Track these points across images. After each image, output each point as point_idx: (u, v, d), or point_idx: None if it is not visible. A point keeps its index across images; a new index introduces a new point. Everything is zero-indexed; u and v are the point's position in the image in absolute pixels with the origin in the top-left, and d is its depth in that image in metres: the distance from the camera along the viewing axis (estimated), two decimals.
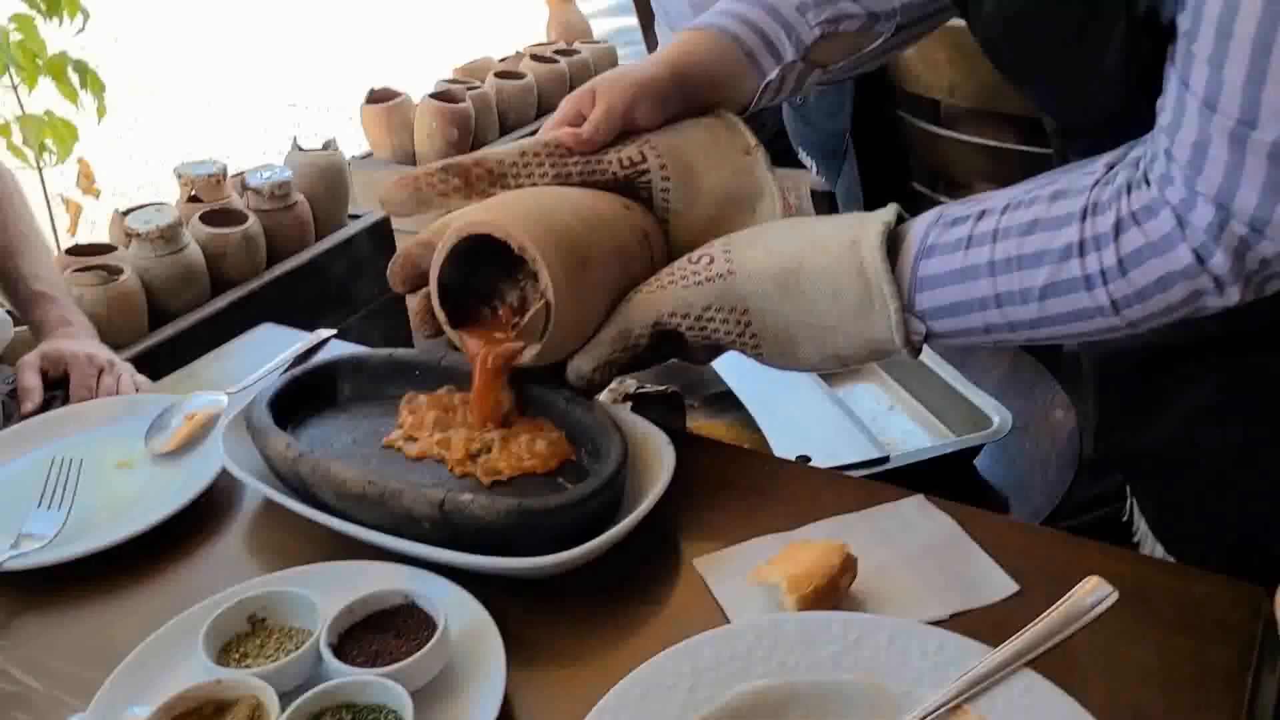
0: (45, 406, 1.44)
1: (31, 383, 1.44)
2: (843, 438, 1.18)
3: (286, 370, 1.14)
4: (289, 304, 2.31)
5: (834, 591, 0.76)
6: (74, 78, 2.22)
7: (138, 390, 1.45)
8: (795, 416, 1.23)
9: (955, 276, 0.78)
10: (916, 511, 0.86)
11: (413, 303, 0.94)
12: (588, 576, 0.81)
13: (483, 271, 0.91)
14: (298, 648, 0.74)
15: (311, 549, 0.88)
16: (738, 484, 0.92)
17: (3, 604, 0.86)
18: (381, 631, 0.75)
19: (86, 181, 2.28)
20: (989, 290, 0.77)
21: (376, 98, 2.86)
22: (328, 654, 0.72)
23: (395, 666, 0.70)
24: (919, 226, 0.81)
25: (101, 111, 2.27)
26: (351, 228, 2.55)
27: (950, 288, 0.79)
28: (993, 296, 0.77)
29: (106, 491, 0.96)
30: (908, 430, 1.30)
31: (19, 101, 2.22)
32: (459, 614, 0.76)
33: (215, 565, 0.89)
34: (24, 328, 1.66)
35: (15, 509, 0.93)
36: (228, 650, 0.75)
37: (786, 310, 0.83)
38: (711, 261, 0.86)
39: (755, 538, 0.85)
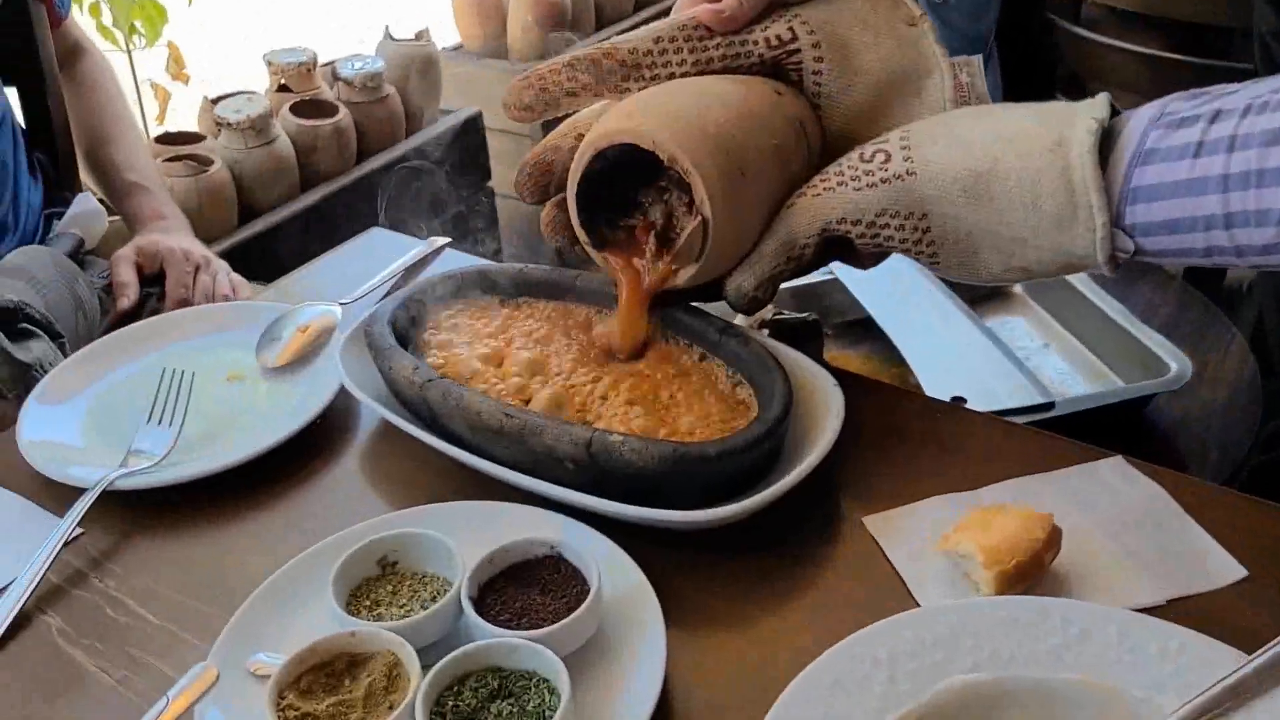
0: (141, 304, 1.39)
1: (127, 278, 1.38)
2: (997, 377, 1.08)
3: (400, 280, 1.07)
4: (379, 202, 2.23)
5: (1037, 568, 0.67)
6: None
7: (235, 290, 1.40)
8: (943, 350, 1.13)
9: (1178, 189, 0.66)
10: (1116, 475, 0.76)
11: (544, 212, 0.85)
12: (744, 531, 0.72)
13: (620, 182, 0.81)
14: (432, 597, 0.68)
15: (438, 482, 0.81)
16: (904, 431, 0.83)
17: (112, 524, 0.80)
18: (525, 586, 0.68)
19: (176, 66, 2.21)
20: (1218, 209, 0.65)
21: None
22: (470, 610, 0.65)
23: (548, 630, 0.62)
24: (1135, 125, 0.69)
25: None
26: (443, 123, 2.45)
27: (1170, 202, 0.67)
28: (1221, 216, 0.65)
29: (217, 406, 0.89)
30: (1062, 371, 1.19)
31: None
32: (610, 570, 0.68)
33: (333, 494, 0.82)
34: (117, 218, 1.61)
35: (123, 421, 0.87)
36: (357, 596, 0.68)
37: (972, 218, 0.73)
38: (888, 160, 0.75)
39: (932, 496, 0.76)
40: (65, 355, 1.18)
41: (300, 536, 0.77)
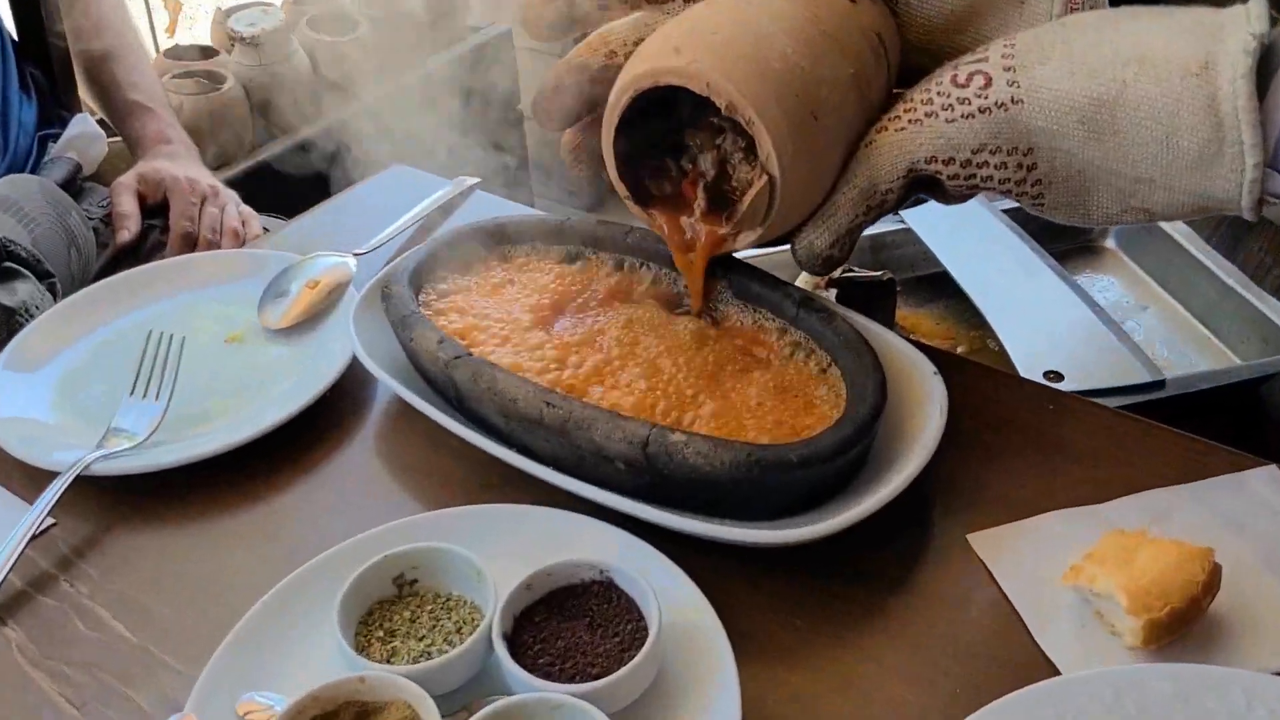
0: (142, 237, 1.27)
1: (128, 208, 1.27)
2: (1096, 348, 0.95)
3: (423, 226, 0.94)
4: (408, 125, 2.09)
5: (1194, 615, 0.55)
6: None
7: (245, 223, 1.27)
8: (1031, 313, 1.00)
9: None
10: (1272, 488, 0.64)
11: (565, 136, 0.72)
12: (822, 550, 0.60)
13: (662, 119, 0.68)
14: (457, 628, 0.57)
15: (465, 474, 0.70)
16: (1006, 424, 0.70)
17: (88, 515, 0.69)
18: (569, 618, 0.56)
19: None
20: None
21: None
22: (504, 652, 0.53)
23: (598, 685, 0.51)
24: None
25: None
26: (470, 40, 2.30)
27: None
28: None
29: (212, 374, 0.78)
30: (1164, 338, 1.06)
31: None
32: (670, 598, 0.57)
33: (343, 484, 0.71)
34: (119, 140, 1.48)
35: (102, 394, 0.75)
36: (368, 624, 0.57)
37: (1088, 154, 0.60)
38: (988, 84, 0.61)
39: (1049, 511, 0.64)
40: (56, 297, 1.07)
41: (304, 536, 0.67)
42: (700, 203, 0.68)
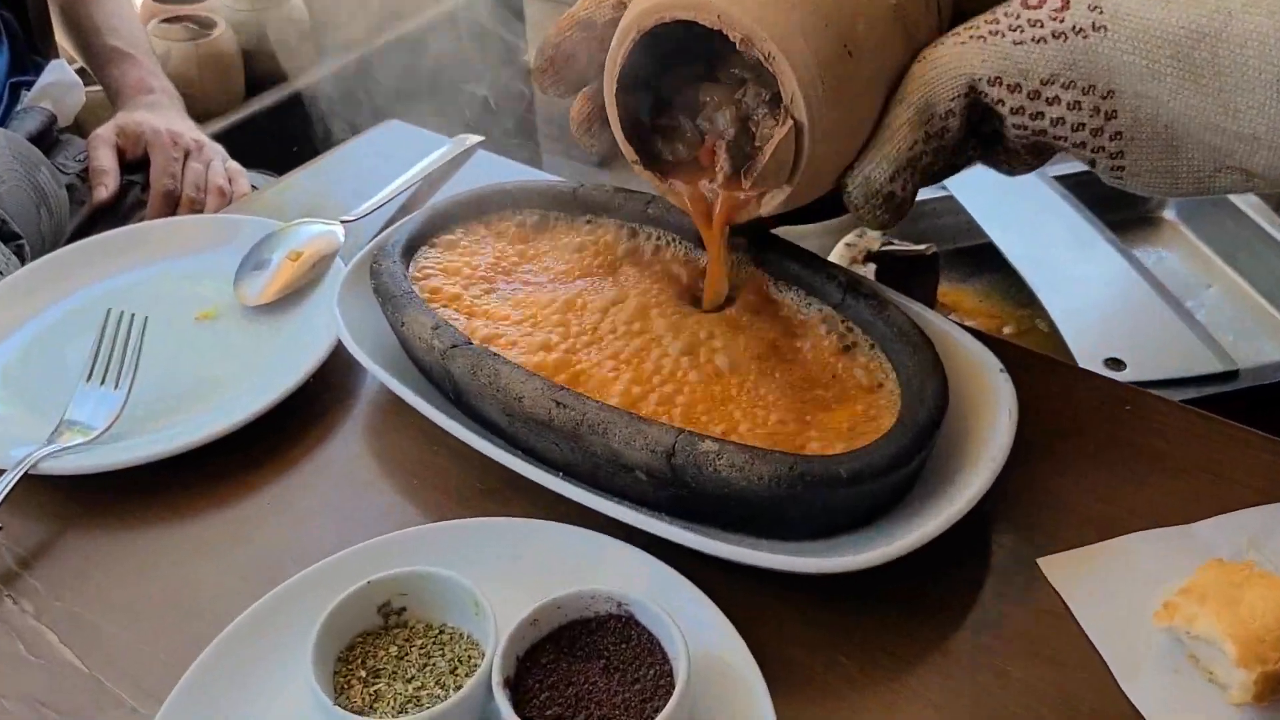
0: (122, 194, 1.19)
1: (106, 164, 1.18)
2: (1159, 331, 0.86)
3: (420, 190, 0.86)
4: (408, 76, 1.99)
5: None
6: None
7: (231, 180, 1.19)
8: (1086, 292, 0.91)
9: None
10: None
11: (574, 106, 0.63)
12: (869, 576, 0.52)
13: (677, 73, 0.59)
14: (450, 667, 0.49)
15: (464, 477, 0.62)
16: (1076, 425, 0.62)
17: (36, 520, 0.62)
18: (582, 659, 0.48)
19: None
20: None
21: None
22: (504, 702, 0.45)
23: None
24: None
25: None
26: None
27: None
28: None
29: (180, 357, 0.70)
30: (1230, 321, 0.97)
31: None
32: (698, 633, 0.49)
33: (325, 484, 0.63)
34: (97, 88, 1.39)
35: (56, 379, 0.67)
36: (349, 659, 0.49)
37: (1182, 102, 0.50)
38: (1064, 6, 0.51)
39: (1132, 532, 0.56)
40: (24, 260, 0.99)
41: (280, 546, 0.59)
42: (722, 164, 0.59)
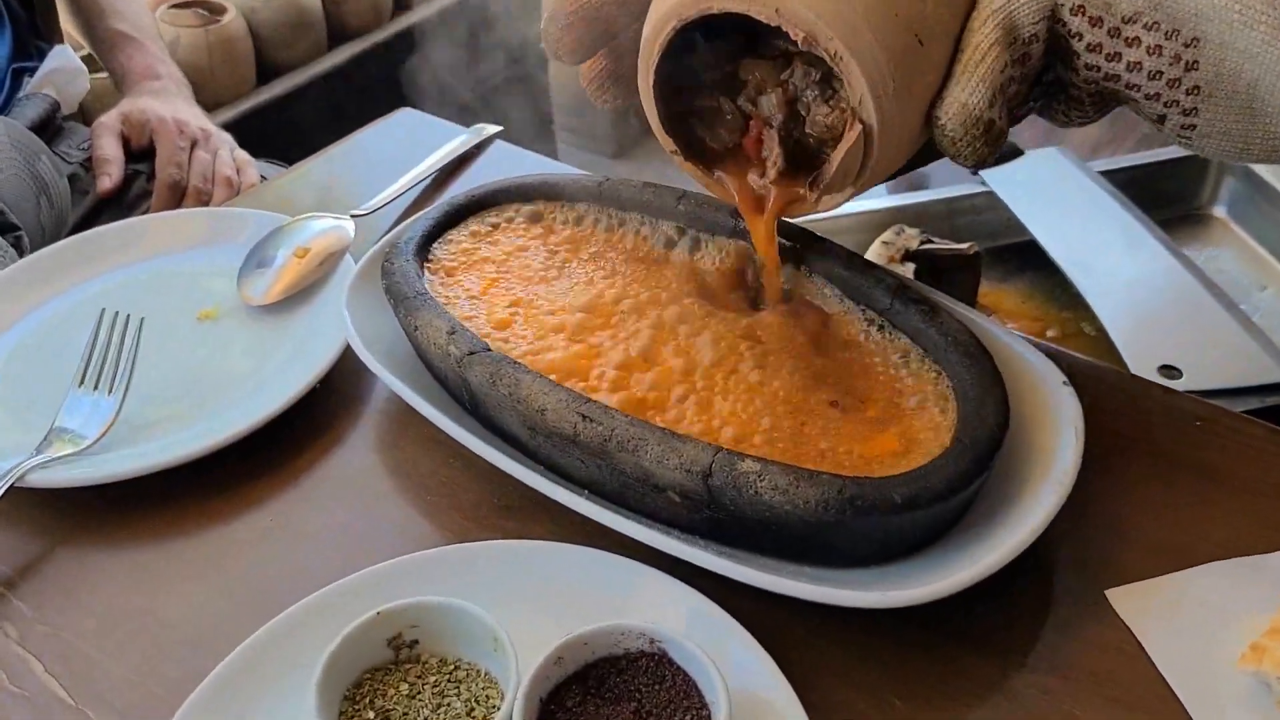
0: (126, 184, 1.15)
1: (110, 152, 1.14)
2: (1213, 336, 0.82)
3: (435, 181, 0.81)
4: (419, 66, 1.95)
5: None
6: None
7: (240, 170, 1.15)
8: (1135, 293, 0.87)
9: None
10: None
11: (585, 66, 0.57)
12: (921, 608, 0.47)
13: (705, 50, 0.54)
14: (468, 707, 0.45)
15: (478, 491, 0.58)
16: (1144, 445, 0.58)
17: (23, 535, 0.57)
18: (611, 700, 0.44)
19: None
20: None
21: None
22: None
23: None
24: None
25: None
26: None
27: None
28: None
29: (179, 360, 0.66)
30: None
31: None
32: (736, 671, 0.45)
33: (332, 499, 0.59)
34: (103, 75, 1.35)
35: (47, 383, 0.63)
36: (356, 697, 0.45)
37: (1274, 55, 0.45)
38: None
39: (1209, 562, 0.51)
40: (22, 252, 0.95)
41: (282, 567, 0.55)
42: (774, 157, 0.54)
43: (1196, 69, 0.47)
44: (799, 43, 0.47)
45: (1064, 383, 0.54)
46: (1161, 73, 0.48)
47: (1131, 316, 0.84)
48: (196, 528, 0.57)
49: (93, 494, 0.58)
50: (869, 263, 0.59)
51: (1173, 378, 0.78)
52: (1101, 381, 0.61)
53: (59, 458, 0.57)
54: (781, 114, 0.53)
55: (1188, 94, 0.48)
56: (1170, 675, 0.47)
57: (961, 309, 0.58)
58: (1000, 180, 1.00)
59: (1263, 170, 0.99)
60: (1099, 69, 0.49)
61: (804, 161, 0.54)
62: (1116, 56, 0.48)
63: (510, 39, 2.08)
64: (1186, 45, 0.47)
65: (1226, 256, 0.99)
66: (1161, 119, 0.49)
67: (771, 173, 0.54)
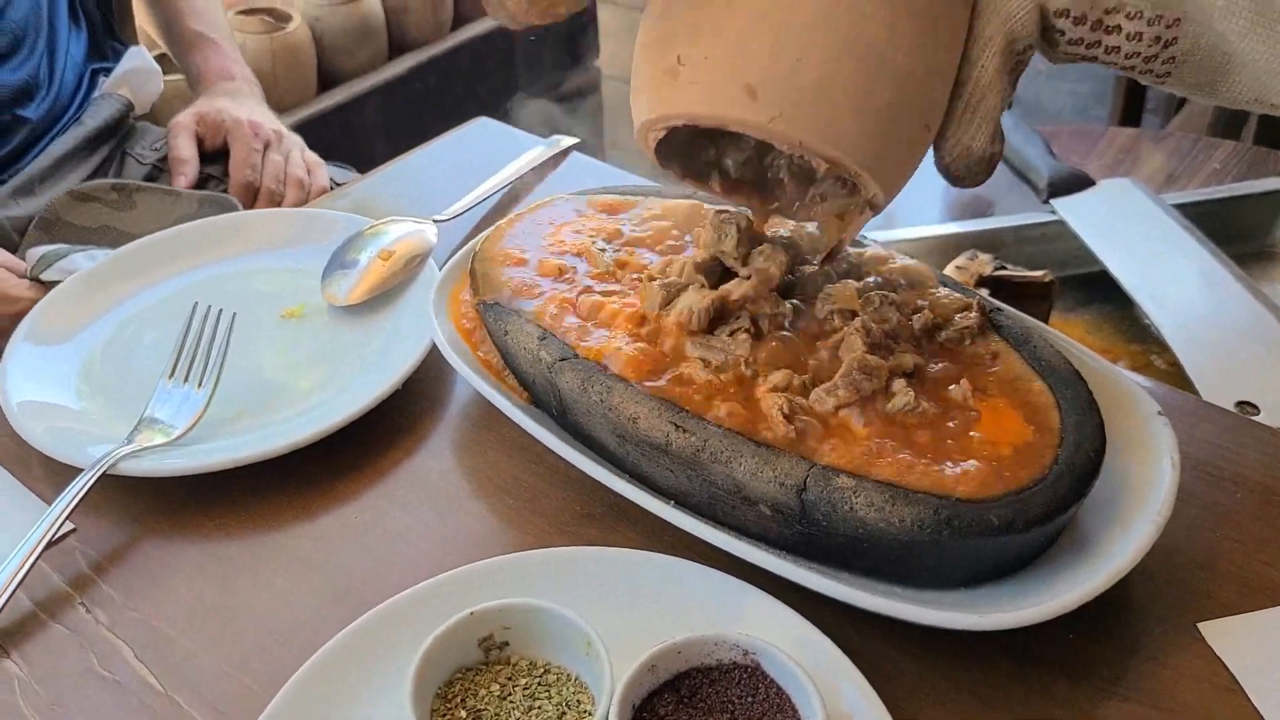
0: (200, 184, 1.16)
1: (186, 152, 1.15)
2: None
3: (512, 188, 0.82)
4: (477, 76, 1.97)
5: None
6: None
7: (311, 171, 1.16)
8: (1210, 327, 0.86)
9: None
10: None
11: None
12: (1013, 634, 0.47)
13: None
14: (560, 712, 0.45)
15: (561, 497, 0.58)
16: (1236, 478, 0.57)
17: (113, 522, 0.58)
18: (705, 710, 0.44)
19: None
20: None
21: None
22: None
23: None
24: None
25: None
26: None
27: None
28: None
29: (264, 357, 0.66)
30: None
31: None
32: (830, 692, 0.45)
33: (415, 499, 0.59)
34: (178, 77, 1.37)
35: (140, 372, 0.64)
36: (448, 696, 0.45)
37: (1249, 45, 0.46)
38: None
39: None
40: None
41: (367, 564, 0.55)
42: (789, 195, 0.54)
43: (1175, 44, 0.47)
44: (820, 172, 0.48)
45: (1158, 412, 0.53)
46: (1139, 51, 0.48)
47: (1206, 351, 0.83)
48: (281, 522, 0.58)
49: (181, 485, 0.59)
50: (957, 284, 0.59)
51: (1250, 413, 0.77)
52: (1191, 413, 0.61)
53: (149, 447, 0.58)
54: (789, 176, 0.54)
55: (1163, 64, 0.48)
56: (1268, 711, 0.46)
57: (1052, 334, 0.58)
58: (1071, 209, 1.00)
59: None
60: (1078, 54, 0.49)
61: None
62: (1097, 44, 0.48)
63: (562, 57, 2.10)
64: (1168, 27, 0.47)
65: None
66: (1133, 74, 0.49)
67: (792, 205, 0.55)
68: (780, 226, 0.59)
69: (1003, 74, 0.49)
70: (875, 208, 0.50)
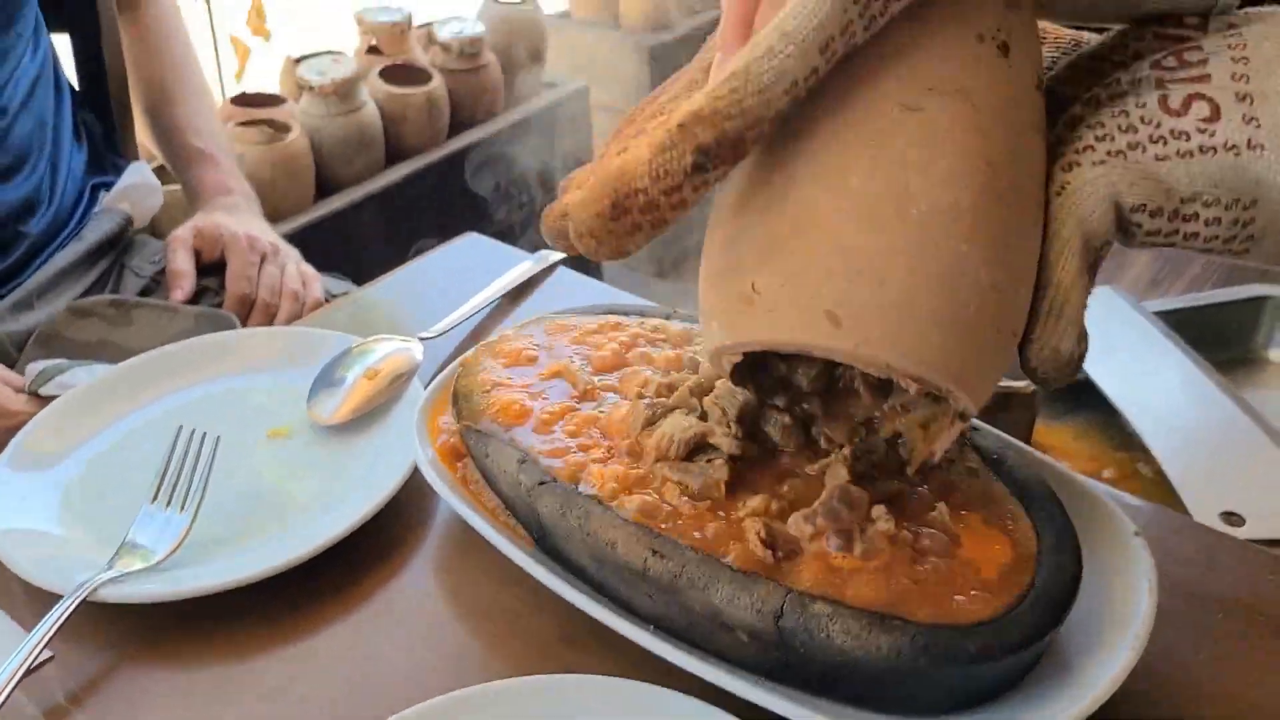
0: (196, 297, 1.18)
1: (183, 266, 1.17)
2: (1273, 479, 0.81)
3: (498, 304, 0.83)
4: (472, 184, 2.00)
5: None
6: None
7: (305, 284, 1.18)
8: (1193, 436, 0.86)
9: None
10: None
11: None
12: None
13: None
14: None
15: (541, 620, 0.58)
16: (1217, 596, 0.57)
17: (93, 651, 0.58)
18: None
19: (258, 20, 2.00)
20: None
21: None
22: None
23: None
24: None
25: None
26: (545, 97, 2.22)
27: None
28: None
29: (249, 477, 0.67)
30: None
31: None
32: None
33: (395, 623, 0.59)
34: (175, 187, 1.40)
35: (124, 497, 0.64)
36: None
37: None
38: (1214, 116, 0.45)
39: None
40: None
41: (346, 691, 0.55)
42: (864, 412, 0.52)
43: (1253, 224, 0.47)
44: (911, 391, 0.45)
45: (1135, 533, 0.54)
46: (1218, 235, 0.47)
47: (1191, 460, 0.84)
48: (261, 647, 0.57)
49: (160, 610, 0.58)
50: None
51: (1235, 524, 0.77)
52: (1172, 530, 0.61)
53: (130, 573, 0.58)
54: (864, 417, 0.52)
55: (1242, 241, 0.47)
56: None
57: (1026, 450, 0.58)
58: None
59: None
60: (1156, 243, 0.48)
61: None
62: (1175, 232, 0.47)
63: (554, 166, 2.14)
64: (1245, 208, 0.46)
65: None
66: (1209, 252, 0.48)
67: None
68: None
69: (1083, 274, 0.47)
70: (965, 418, 0.47)
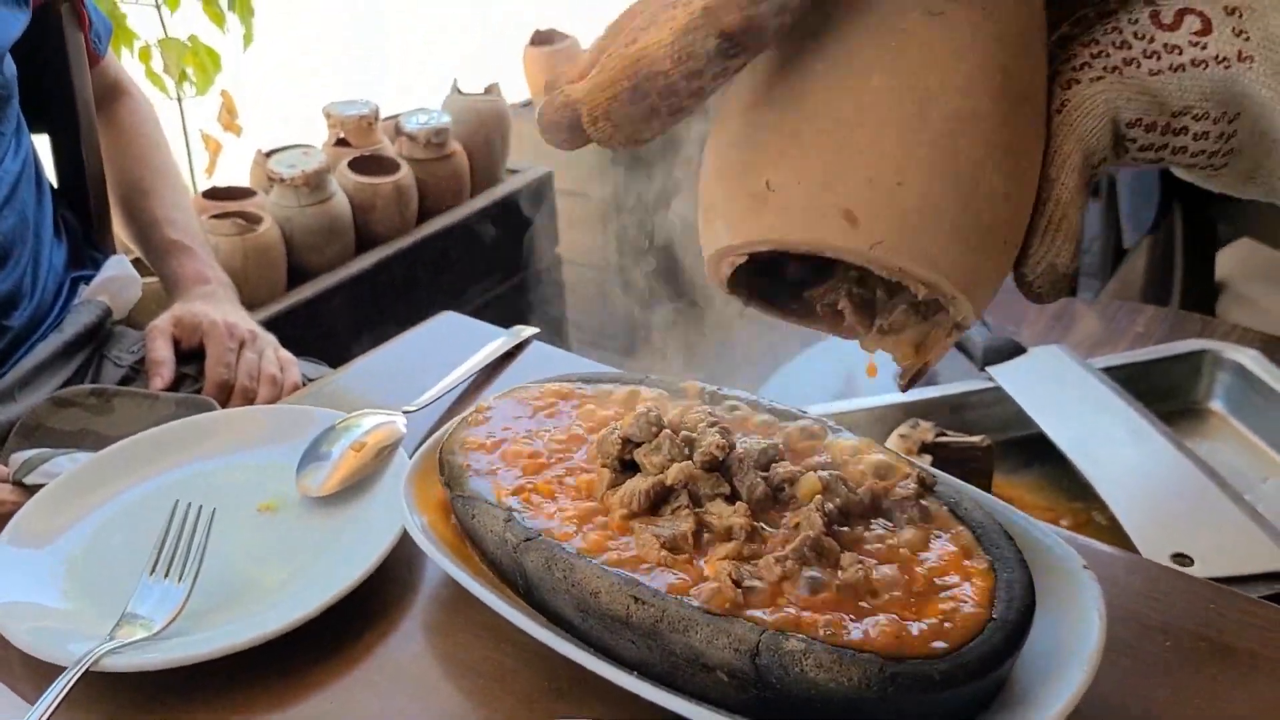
0: (176, 385, 1.20)
1: (162, 355, 1.19)
2: (1221, 525, 0.85)
3: (476, 378, 0.87)
4: (440, 268, 2.05)
5: None
6: None
7: (283, 369, 1.20)
8: (1143, 485, 0.90)
9: None
10: None
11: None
12: None
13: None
14: None
15: (528, 673, 0.60)
16: (1164, 626, 0.60)
17: (98, 718, 0.59)
18: None
19: (229, 116, 2.05)
20: None
21: (540, 39, 2.57)
22: None
23: None
24: None
25: (249, 39, 2.03)
26: (510, 183, 2.28)
27: None
28: None
29: (241, 550, 0.69)
30: None
31: (161, 22, 1.99)
32: None
33: (388, 683, 0.61)
34: (153, 279, 1.43)
35: (124, 569, 0.66)
36: None
37: None
38: (1205, 30, 0.47)
39: None
40: None
41: None
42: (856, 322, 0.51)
43: (1235, 136, 0.48)
44: (919, 295, 0.45)
45: (1084, 566, 0.57)
46: (1204, 149, 0.49)
47: (1141, 507, 0.88)
48: (255, 712, 0.59)
49: (159, 678, 0.60)
50: (896, 453, 0.63)
51: (1185, 564, 0.81)
52: (1122, 567, 0.65)
53: (130, 642, 0.60)
54: (848, 297, 0.50)
55: (1223, 156, 0.49)
56: None
57: (985, 497, 0.62)
58: (1006, 376, 1.06)
59: (1255, 367, 1.04)
60: (1146, 159, 0.50)
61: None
62: (1164, 146, 0.49)
63: (533, 243, 2.19)
64: (1230, 121, 0.48)
65: (1226, 449, 1.04)
66: (1191, 171, 0.50)
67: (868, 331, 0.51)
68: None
69: (1081, 190, 0.48)
70: (962, 328, 0.48)
